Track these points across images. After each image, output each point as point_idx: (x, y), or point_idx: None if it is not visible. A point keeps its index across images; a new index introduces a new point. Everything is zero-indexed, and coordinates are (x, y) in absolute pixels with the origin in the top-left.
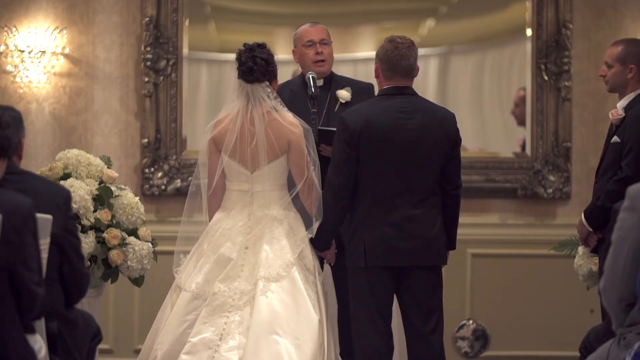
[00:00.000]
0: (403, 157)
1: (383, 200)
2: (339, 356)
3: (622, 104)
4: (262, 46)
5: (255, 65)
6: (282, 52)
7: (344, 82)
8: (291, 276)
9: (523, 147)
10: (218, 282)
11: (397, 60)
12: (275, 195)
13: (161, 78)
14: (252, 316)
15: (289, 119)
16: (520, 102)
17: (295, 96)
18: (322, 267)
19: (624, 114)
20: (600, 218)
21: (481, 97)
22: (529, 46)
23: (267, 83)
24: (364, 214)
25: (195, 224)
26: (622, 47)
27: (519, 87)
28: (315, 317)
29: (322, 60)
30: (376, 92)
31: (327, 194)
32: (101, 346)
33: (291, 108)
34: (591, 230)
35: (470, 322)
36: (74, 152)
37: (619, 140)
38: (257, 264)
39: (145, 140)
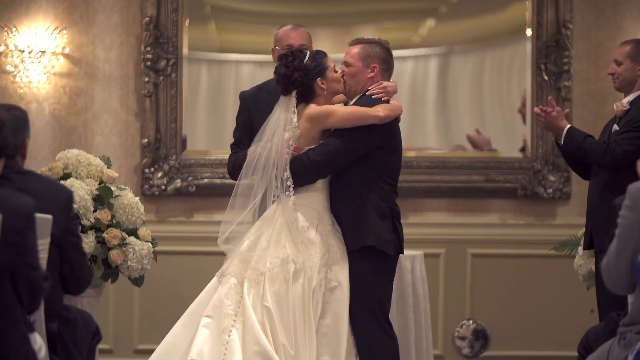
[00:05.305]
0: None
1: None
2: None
3: (629, 98)
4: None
5: None
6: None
7: None
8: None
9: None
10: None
11: (393, 64)
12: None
13: (161, 78)
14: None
15: None
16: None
17: (272, 97)
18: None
19: (629, 107)
20: (572, 144)
21: (481, 97)
22: (529, 46)
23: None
24: (393, 203)
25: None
26: (633, 45)
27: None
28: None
29: None
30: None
31: (322, 169)
32: (101, 346)
33: (269, 110)
34: (556, 140)
35: (470, 322)
36: (74, 152)
37: (618, 129)
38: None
39: (145, 140)
